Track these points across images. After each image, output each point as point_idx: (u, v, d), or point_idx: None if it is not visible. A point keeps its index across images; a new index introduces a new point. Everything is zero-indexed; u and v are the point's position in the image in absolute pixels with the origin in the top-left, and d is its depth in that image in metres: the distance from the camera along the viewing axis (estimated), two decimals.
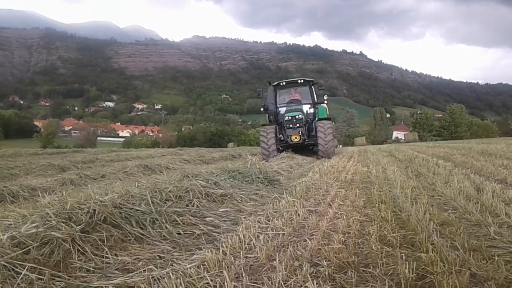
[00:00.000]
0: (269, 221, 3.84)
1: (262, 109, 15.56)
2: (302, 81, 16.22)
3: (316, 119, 15.16)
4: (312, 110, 15.72)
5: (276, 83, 16.18)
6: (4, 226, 3.16)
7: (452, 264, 2.49)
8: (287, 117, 14.52)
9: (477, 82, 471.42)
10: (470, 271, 2.46)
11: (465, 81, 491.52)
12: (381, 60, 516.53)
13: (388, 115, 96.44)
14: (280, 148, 14.66)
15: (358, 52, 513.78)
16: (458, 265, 2.51)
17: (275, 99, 16.03)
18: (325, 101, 15.82)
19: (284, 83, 16.34)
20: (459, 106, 66.65)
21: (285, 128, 14.72)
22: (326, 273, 2.51)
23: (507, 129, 71.82)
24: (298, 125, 14.44)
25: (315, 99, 15.99)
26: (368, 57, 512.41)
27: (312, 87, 16.25)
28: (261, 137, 14.44)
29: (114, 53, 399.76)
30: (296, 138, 14.29)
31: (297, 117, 14.41)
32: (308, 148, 16.04)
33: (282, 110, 15.62)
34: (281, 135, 14.90)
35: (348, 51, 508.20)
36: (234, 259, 2.82)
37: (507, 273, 2.43)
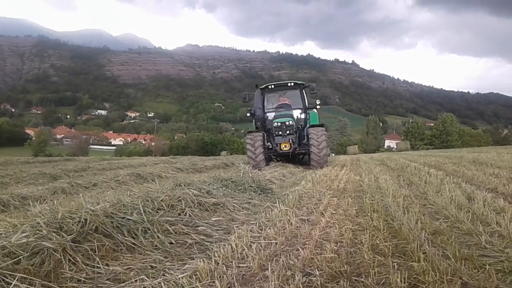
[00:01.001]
0: (261, 230, 3.83)
1: (248, 114, 14.44)
2: (292, 84, 15.06)
3: (308, 125, 13.98)
4: (303, 116, 14.64)
5: (263, 85, 14.95)
6: None
7: (444, 273, 2.50)
8: (276, 124, 13.34)
9: (468, 92, 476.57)
10: (461, 280, 2.47)
11: (456, 90, 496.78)
12: (373, 69, 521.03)
13: (380, 124, 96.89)
14: (273, 157, 13.66)
15: (350, 61, 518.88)
16: (450, 274, 2.52)
17: (263, 104, 14.84)
18: (318, 106, 14.62)
19: (272, 86, 14.98)
20: (449, 115, 67.26)
21: (274, 135, 13.53)
22: (319, 282, 2.51)
23: (498, 138, 72.54)
24: (288, 132, 13.21)
25: (307, 103, 14.91)
26: (360, 66, 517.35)
27: (303, 90, 15.05)
28: (247, 145, 13.24)
29: (107, 61, 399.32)
30: (286, 146, 12.97)
31: (287, 123, 13.23)
32: (298, 157, 14.95)
33: (271, 115, 14.59)
34: (269, 143, 13.74)
35: (340, 60, 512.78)
36: (226, 269, 2.81)
37: (498, 282, 2.45)
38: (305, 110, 14.65)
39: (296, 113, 14.50)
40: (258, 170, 10.71)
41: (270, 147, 13.64)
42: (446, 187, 5.90)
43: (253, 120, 14.62)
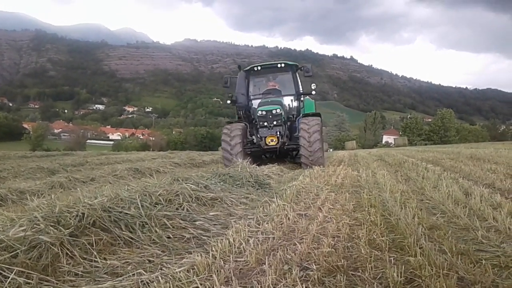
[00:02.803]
0: (259, 225, 3.84)
1: (228, 102, 12.06)
2: (282, 65, 12.49)
3: (301, 115, 11.72)
4: (295, 104, 12.26)
5: (248, 67, 12.65)
6: None
7: (440, 268, 2.51)
8: (260, 112, 10.82)
9: (466, 87, 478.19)
10: (457, 275, 2.48)
11: (454, 86, 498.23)
12: (371, 65, 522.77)
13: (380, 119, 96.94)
14: (262, 155, 11.84)
15: (349, 57, 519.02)
16: (446, 268, 2.53)
17: (247, 89, 12.56)
18: (313, 92, 11.86)
19: (259, 68, 12.54)
20: (448, 111, 67.40)
21: (258, 127, 11.12)
22: (316, 277, 2.52)
23: (495, 134, 72.82)
24: (275, 123, 10.76)
25: (300, 88, 12.60)
26: (358, 61, 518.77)
27: (297, 73, 12.72)
28: (223, 137, 11.15)
29: (105, 55, 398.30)
30: (272, 141, 10.78)
31: (274, 112, 10.71)
32: (291, 154, 12.84)
33: (256, 103, 11.97)
34: (253, 137, 11.46)
35: (339, 55, 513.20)
36: (223, 263, 2.82)
37: (494, 277, 2.46)
38: (298, 96, 12.36)
39: (287, 100, 12.17)
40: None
41: (255, 141, 11.37)
42: (443, 183, 5.91)
43: (236, 110, 12.40)
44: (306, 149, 10.26)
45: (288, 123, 11.61)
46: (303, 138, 10.30)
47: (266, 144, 10.84)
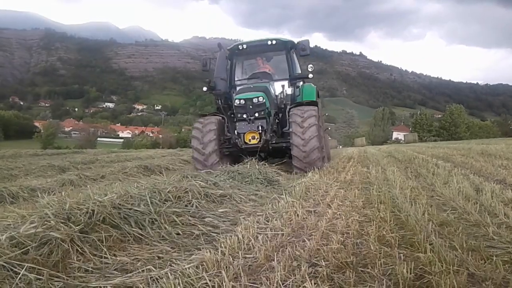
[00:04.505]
0: (268, 222, 3.83)
1: (205, 89, 9.58)
2: (274, 42, 9.80)
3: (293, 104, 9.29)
4: (290, 90, 9.85)
5: (232, 46, 10.23)
6: (3, 227, 3.16)
7: (450, 264, 2.50)
8: (237, 101, 8.51)
9: (477, 83, 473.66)
10: (468, 271, 2.46)
11: (465, 81, 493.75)
12: (381, 61, 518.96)
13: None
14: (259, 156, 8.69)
15: (358, 53, 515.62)
16: (456, 265, 2.52)
17: (230, 73, 10.30)
18: (310, 75, 9.48)
19: (244, 46, 9.98)
20: (458, 107, 66.85)
21: (236, 120, 8.86)
22: (325, 273, 2.51)
23: (507, 130, 72.08)
24: (256, 114, 8.47)
25: (297, 70, 10.30)
26: (368, 57, 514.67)
27: (292, 51, 10.26)
28: (193, 133, 9.09)
29: (114, 54, 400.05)
30: (253, 138, 8.57)
31: (254, 100, 8.35)
32: (287, 153, 9.02)
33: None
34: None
35: (348, 51, 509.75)
36: (232, 259, 2.82)
37: (505, 273, 2.44)
38: (292, 80, 9.93)
39: (279, 87, 9.73)
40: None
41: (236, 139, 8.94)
42: (454, 179, 5.85)
43: (216, 99, 9.99)
44: (300, 149, 8.18)
45: (280, 115, 9.37)
46: (295, 134, 8.23)
47: (245, 143, 8.67)
